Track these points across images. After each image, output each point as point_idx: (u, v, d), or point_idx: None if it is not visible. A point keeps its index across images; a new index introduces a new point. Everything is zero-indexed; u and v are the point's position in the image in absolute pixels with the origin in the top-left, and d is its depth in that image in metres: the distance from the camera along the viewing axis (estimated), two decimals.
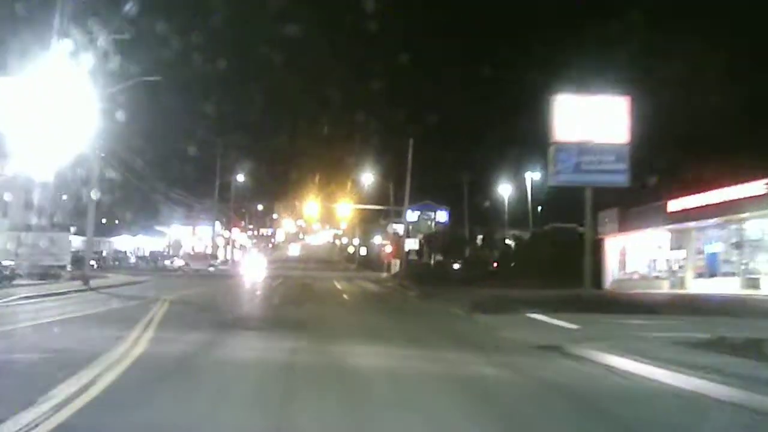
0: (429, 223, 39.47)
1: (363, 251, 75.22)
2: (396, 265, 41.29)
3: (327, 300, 21.90)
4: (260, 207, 77.45)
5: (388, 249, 58.34)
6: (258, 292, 24.87)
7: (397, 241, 47.44)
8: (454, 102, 56.88)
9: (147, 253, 52.16)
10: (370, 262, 63.73)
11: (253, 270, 44.81)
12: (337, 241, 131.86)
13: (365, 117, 46.55)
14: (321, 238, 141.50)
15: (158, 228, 54.92)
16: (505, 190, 51.58)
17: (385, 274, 42.83)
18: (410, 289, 27.97)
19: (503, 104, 58.19)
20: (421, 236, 47.47)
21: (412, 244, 41.85)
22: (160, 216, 52.74)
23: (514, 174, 51.37)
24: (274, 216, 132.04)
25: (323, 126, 67.54)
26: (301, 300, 20.59)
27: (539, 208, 62.57)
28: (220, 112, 51.55)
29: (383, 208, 46.07)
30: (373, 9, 26.71)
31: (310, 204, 43.03)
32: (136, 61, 24.17)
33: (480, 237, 53.47)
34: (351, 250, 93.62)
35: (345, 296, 23.91)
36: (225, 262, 49.45)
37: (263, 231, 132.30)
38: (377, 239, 68.70)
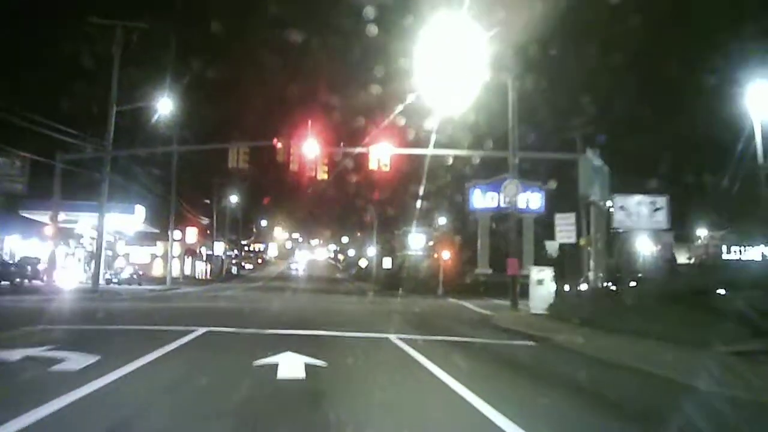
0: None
1: (386, 264, 52.00)
2: (546, 289, 16.78)
3: None
4: (234, 198, 53.85)
5: (447, 255, 34.90)
6: None
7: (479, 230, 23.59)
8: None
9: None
10: (400, 281, 40.00)
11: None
12: (341, 256, 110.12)
13: None
14: (318, 254, 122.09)
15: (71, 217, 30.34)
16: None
17: (482, 309, 18.91)
18: None
19: None
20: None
21: (566, 238, 18.39)
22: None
23: None
24: (263, 223, 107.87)
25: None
26: None
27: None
28: None
29: (486, 153, 21.69)
30: None
31: (309, 143, 19.88)
32: None
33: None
34: (363, 263, 70.70)
35: None
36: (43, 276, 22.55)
37: (255, 246, 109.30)
38: (412, 243, 45.00)
